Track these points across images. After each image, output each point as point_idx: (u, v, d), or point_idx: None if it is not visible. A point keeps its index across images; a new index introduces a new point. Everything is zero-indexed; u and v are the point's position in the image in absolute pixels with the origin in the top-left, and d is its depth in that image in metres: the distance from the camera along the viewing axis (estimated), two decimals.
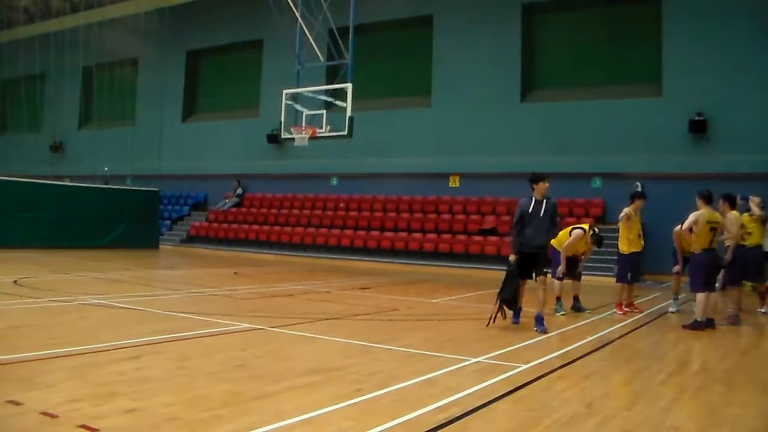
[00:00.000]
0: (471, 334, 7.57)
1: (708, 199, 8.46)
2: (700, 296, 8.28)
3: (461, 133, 20.46)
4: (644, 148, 17.73)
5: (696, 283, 8.34)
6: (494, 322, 7.60)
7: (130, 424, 3.64)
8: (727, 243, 9.08)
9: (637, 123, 17.89)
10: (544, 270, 7.89)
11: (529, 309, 8.16)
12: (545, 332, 7.47)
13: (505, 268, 7.85)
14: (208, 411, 3.93)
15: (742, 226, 9.30)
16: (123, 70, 28.32)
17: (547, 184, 7.74)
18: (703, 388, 5.20)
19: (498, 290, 7.77)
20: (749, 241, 9.51)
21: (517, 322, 7.91)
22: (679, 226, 9.53)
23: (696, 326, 8.19)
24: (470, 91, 20.41)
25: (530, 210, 7.69)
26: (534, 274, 7.80)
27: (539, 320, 7.65)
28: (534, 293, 7.89)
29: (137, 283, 11.57)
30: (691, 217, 8.34)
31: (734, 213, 9.09)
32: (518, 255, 7.72)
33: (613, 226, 10.19)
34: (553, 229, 8.05)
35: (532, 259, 7.73)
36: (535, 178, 7.79)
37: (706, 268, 8.32)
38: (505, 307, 7.73)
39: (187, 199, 26.84)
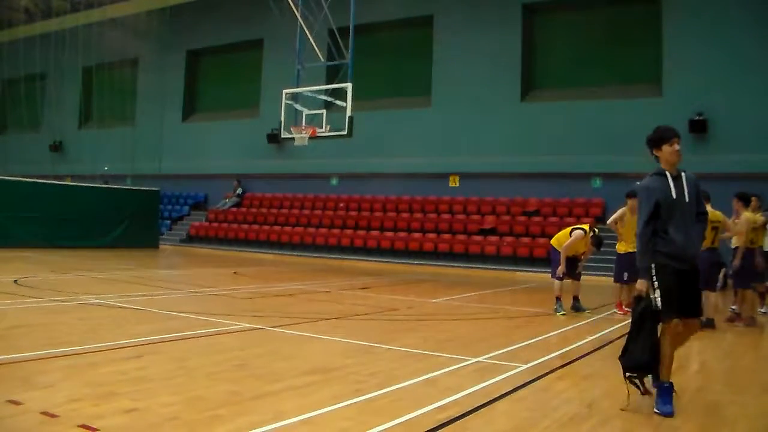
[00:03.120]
0: (471, 334, 7.57)
1: (707, 198, 8.44)
2: None
3: (461, 133, 20.46)
4: (644, 148, 17.58)
5: None
6: (629, 404, 4.38)
7: (130, 424, 3.64)
8: (735, 244, 9.00)
9: (637, 123, 17.73)
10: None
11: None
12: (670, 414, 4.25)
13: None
14: (208, 411, 3.93)
15: (754, 229, 9.07)
16: (123, 70, 28.30)
17: (677, 147, 4.49)
18: (703, 388, 5.20)
19: (622, 350, 4.45)
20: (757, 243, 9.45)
21: (667, 412, 4.22)
22: None
23: None
24: (470, 91, 20.40)
25: (670, 195, 4.40)
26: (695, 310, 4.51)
27: (667, 393, 4.31)
28: None
29: (137, 283, 11.56)
30: None
31: (747, 214, 8.95)
32: (665, 278, 4.35)
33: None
34: (702, 221, 4.62)
35: (689, 282, 4.40)
36: (660, 137, 4.57)
37: (706, 268, 8.31)
38: (636, 381, 4.41)
39: (187, 199, 26.86)
